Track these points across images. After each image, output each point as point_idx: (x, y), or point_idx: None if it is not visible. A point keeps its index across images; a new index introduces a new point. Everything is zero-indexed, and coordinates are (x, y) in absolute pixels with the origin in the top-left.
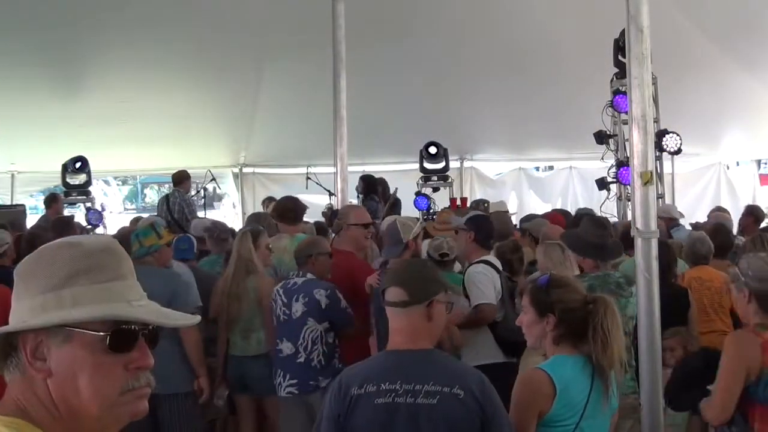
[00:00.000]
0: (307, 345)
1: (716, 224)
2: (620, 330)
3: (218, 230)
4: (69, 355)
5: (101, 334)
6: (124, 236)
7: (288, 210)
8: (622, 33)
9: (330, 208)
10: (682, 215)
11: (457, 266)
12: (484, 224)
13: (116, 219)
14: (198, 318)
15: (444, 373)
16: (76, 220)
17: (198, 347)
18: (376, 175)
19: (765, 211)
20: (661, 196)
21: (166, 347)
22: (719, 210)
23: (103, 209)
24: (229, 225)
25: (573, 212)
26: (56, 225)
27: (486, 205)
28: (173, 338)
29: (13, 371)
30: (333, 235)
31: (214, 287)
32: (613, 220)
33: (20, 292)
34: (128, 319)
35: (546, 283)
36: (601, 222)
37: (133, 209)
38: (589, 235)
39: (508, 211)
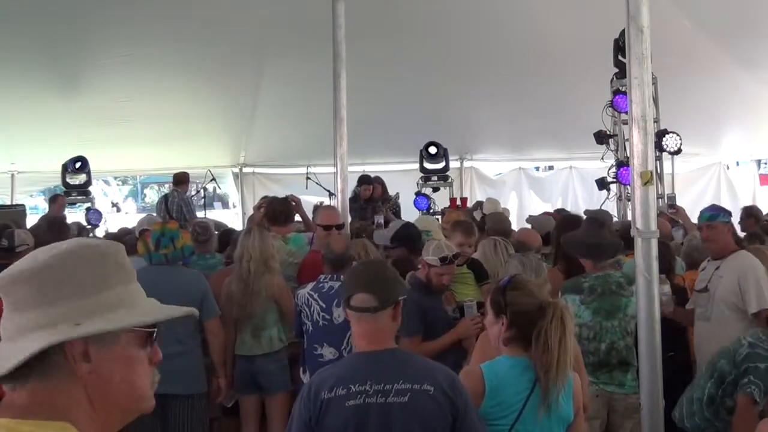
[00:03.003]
0: (351, 349)
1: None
2: (568, 337)
3: (197, 232)
4: (114, 355)
5: (149, 330)
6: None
7: (279, 213)
8: (622, 33)
9: (316, 206)
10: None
11: None
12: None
13: (132, 219)
14: (194, 309)
15: (413, 370)
16: (76, 220)
17: (223, 348)
18: (376, 176)
19: (764, 210)
20: (661, 196)
21: (188, 348)
22: None
23: (118, 210)
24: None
25: (572, 212)
26: (51, 226)
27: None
28: (196, 339)
29: (47, 377)
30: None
31: (223, 288)
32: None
33: (51, 296)
34: (163, 318)
35: (505, 284)
36: (597, 221)
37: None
38: (585, 236)
39: (503, 212)
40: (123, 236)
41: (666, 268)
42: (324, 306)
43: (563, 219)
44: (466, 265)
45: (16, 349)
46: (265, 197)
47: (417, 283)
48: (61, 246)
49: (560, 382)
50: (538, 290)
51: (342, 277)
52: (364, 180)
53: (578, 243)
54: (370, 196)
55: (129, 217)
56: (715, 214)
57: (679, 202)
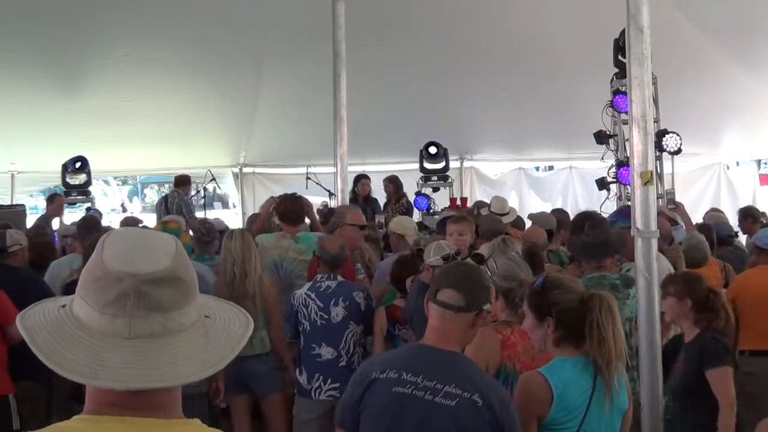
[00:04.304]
0: (349, 348)
1: (701, 225)
2: (619, 326)
3: (200, 233)
4: None
5: None
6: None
7: (290, 212)
8: (622, 33)
9: (325, 206)
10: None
11: None
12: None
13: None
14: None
15: (468, 378)
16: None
17: None
18: (376, 176)
19: (764, 210)
20: (661, 196)
21: None
22: (714, 211)
23: (125, 210)
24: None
25: (572, 212)
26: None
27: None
28: None
29: None
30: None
31: (213, 289)
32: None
33: (190, 296)
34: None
35: (542, 285)
36: (595, 222)
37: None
38: (583, 236)
39: (508, 213)
40: None
41: None
42: (321, 305)
43: (578, 217)
44: (469, 258)
45: (183, 356)
46: (272, 198)
47: (423, 288)
48: (173, 244)
49: (619, 372)
50: (575, 284)
51: (339, 276)
52: (361, 176)
53: (576, 244)
54: (368, 195)
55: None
56: (614, 220)
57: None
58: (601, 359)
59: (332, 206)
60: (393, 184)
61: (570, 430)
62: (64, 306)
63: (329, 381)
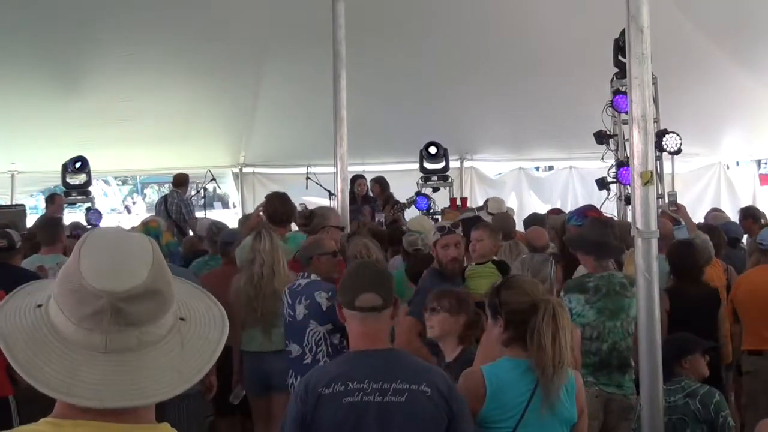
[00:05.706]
0: (312, 347)
1: (708, 227)
2: (561, 333)
3: (212, 232)
4: None
5: None
6: None
7: (280, 213)
8: (622, 33)
9: (305, 207)
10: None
11: None
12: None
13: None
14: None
15: (410, 371)
16: (76, 220)
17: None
18: (376, 175)
19: (764, 211)
20: (661, 196)
21: None
22: (716, 211)
23: (129, 211)
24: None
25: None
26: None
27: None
28: None
29: None
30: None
31: (233, 287)
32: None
33: (165, 308)
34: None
35: (499, 285)
36: (604, 221)
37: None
38: (591, 234)
39: (507, 211)
40: None
41: (692, 268)
42: (290, 302)
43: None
44: (491, 262)
45: (159, 369)
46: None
47: (432, 272)
48: (150, 252)
49: (558, 380)
50: (532, 288)
51: (313, 275)
52: (358, 176)
53: (583, 240)
54: (365, 194)
55: (140, 219)
56: (569, 217)
57: (679, 202)
58: (537, 365)
59: (312, 208)
60: (379, 184)
61: (505, 430)
62: (40, 306)
63: (299, 377)
